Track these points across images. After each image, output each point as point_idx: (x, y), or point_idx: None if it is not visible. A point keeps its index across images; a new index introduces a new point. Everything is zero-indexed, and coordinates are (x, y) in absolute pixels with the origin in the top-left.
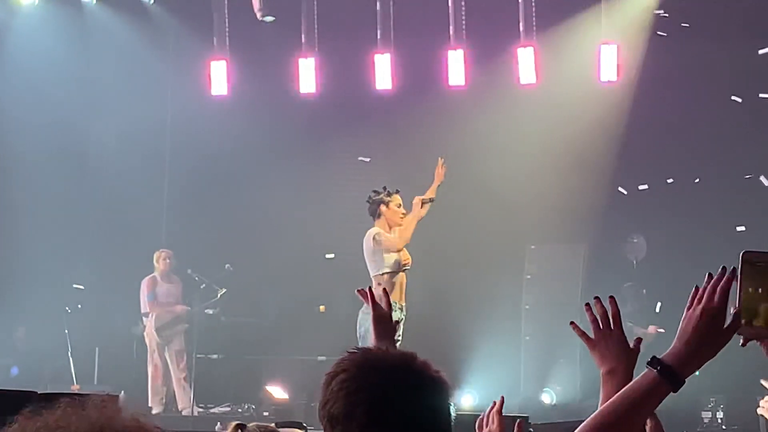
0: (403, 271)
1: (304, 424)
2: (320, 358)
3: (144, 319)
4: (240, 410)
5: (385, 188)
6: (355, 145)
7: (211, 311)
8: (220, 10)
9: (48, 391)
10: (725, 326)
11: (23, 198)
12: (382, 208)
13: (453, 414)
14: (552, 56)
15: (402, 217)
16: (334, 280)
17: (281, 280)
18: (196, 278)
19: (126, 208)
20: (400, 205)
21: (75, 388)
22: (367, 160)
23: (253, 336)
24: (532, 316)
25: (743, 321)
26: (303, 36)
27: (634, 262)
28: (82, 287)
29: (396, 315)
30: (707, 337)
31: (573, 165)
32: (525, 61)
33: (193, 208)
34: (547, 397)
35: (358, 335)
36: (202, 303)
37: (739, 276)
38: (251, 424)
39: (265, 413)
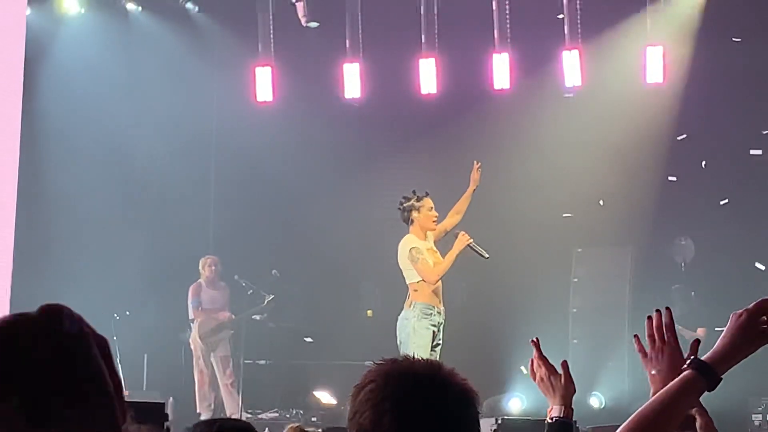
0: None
1: None
2: (367, 363)
3: (191, 325)
4: (288, 416)
5: (414, 192)
6: (400, 150)
7: (258, 317)
8: (264, 17)
9: None
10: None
11: (71, 207)
12: (414, 214)
13: (492, 424)
14: (597, 59)
15: (435, 222)
16: (381, 284)
17: (329, 285)
18: (243, 284)
19: (173, 215)
20: (431, 208)
21: (125, 394)
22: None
23: (301, 341)
24: (579, 319)
25: None
26: (347, 41)
27: (682, 264)
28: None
29: (435, 319)
30: (745, 337)
31: (619, 167)
32: (570, 64)
33: (239, 215)
34: (596, 401)
35: (398, 342)
36: (249, 309)
37: None
38: (309, 429)
39: (313, 419)
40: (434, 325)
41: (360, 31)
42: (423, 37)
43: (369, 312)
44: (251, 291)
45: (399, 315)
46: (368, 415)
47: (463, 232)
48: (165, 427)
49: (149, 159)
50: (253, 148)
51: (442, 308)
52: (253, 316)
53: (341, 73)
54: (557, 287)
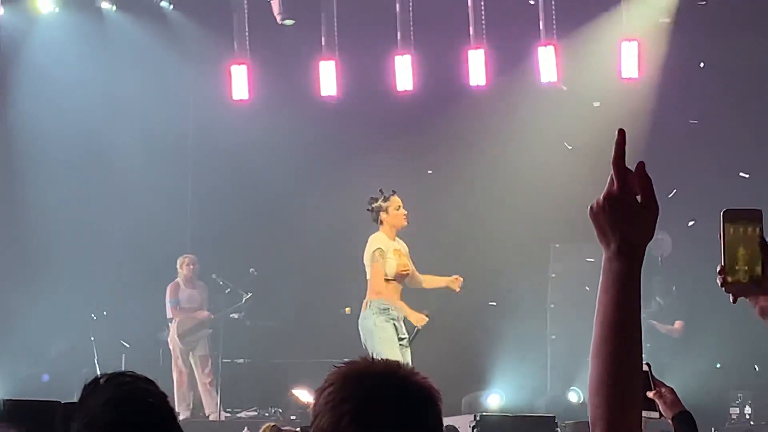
0: (400, 280)
1: None
2: (346, 360)
3: (169, 325)
4: (267, 414)
5: (381, 192)
6: (377, 148)
7: (236, 316)
8: (239, 14)
9: (73, 401)
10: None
11: (46, 206)
12: (383, 215)
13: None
14: (573, 54)
15: (405, 218)
16: (359, 282)
17: (306, 283)
18: (221, 283)
19: (150, 214)
20: (399, 206)
21: None
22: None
23: (279, 340)
24: (557, 315)
25: (729, 279)
26: (323, 38)
27: (660, 259)
28: (95, 317)
29: (393, 314)
30: (621, 221)
31: (595, 162)
32: (546, 59)
33: (216, 213)
34: (575, 396)
35: (363, 342)
36: (227, 307)
37: (721, 234)
38: (285, 428)
39: (292, 417)
40: (393, 319)
41: (336, 29)
42: (399, 34)
43: (347, 309)
44: (229, 289)
45: (358, 317)
46: (328, 417)
47: (426, 318)
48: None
49: (126, 158)
50: (229, 147)
51: (395, 303)
52: (230, 315)
53: (317, 71)
54: (535, 283)
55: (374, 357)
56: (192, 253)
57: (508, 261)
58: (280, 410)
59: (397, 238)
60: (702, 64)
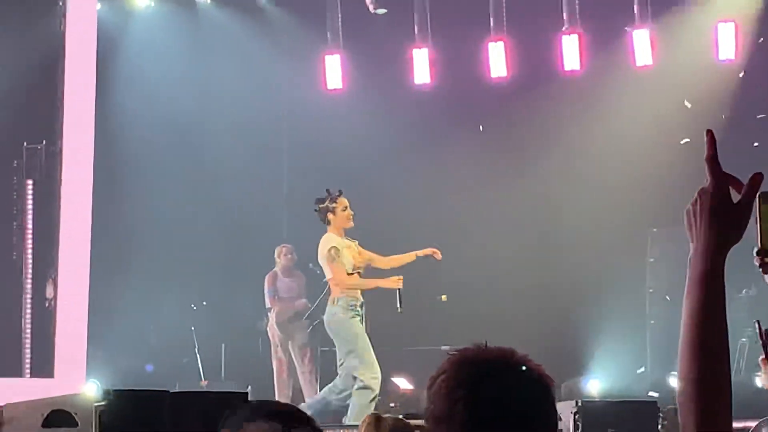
0: (357, 273)
1: None
2: (444, 347)
3: (267, 314)
4: None
5: (328, 192)
6: (471, 135)
7: None
8: (333, 5)
9: (179, 390)
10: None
11: (145, 199)
12: (330, 216)
13: (572, 406)
14: (668, 37)
15: (349, 219)
16: (456, 269)
17: (402, 270)
18: (318, 272)
19: (246, 205)
20: (346, 207)
21: (203, 384)
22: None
23: (377, 327)
24: (656, 299)
25: (766, 259)
26: (416, 27)
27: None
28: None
29: (359, 310)
30: (716, 218)
31: (693, 145)
32: (641, 43)
33: (312, 202)
34: (675, 380)
35: (332, 337)
36: (324, 297)
37: (758, 216)
38: (386, 416)
39: (392, 404)
40: (358, 315)
41: (428, 16)
42: (492, 20)
43: (443, 297)
44: (326, 279)
45: (324, 313)
46: (442, 403)
47: (401, 278)
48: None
49: (222, 149)
50: (323, 136)
51: (361, 298)
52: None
53: (410, 59)
54: (633, 268)
55: (486, 344)
56: (289, 243)
57: (606, 246)
58: (380, 398)
59: (345, 237)
60: None
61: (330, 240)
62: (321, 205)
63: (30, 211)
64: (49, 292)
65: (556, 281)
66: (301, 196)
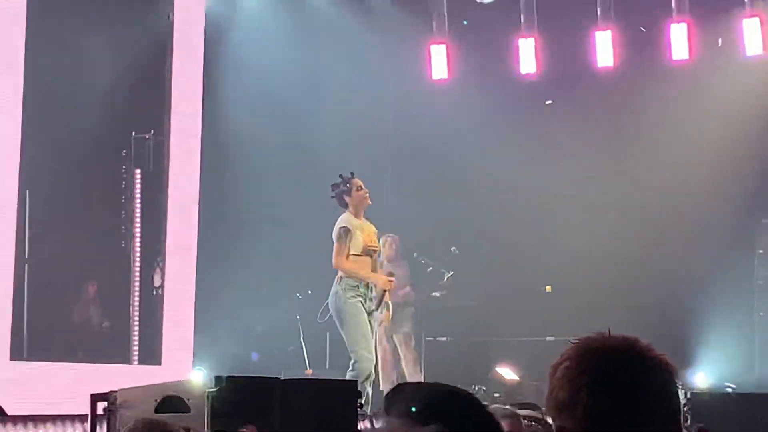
0: (368, 254)
1: (538, 405)
2: (549, 338)
3: None
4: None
5: (341, 176)
6: (577, 125)
7: (438, 294)
8: None
9: (285, 377)
10: None
11: (251, 187)
12: (347, 198)
13: (681, 397)
14: None
15: (366, 198)
16: (560, 260)
17: (507, 261)
18: (423, 261)
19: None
20: (360, 187)
21: (308, 372)
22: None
23: (481, 318)
24: (765, 291)
25: None
26: (522, 16)
27: None
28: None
29: (362, 290)
30: None
31: None
32: (751, 31)
33: (417, 192)
34: None
35: (334, 317)
36: (428, 286)
37: None
38: (492, 406)
39: (496, 394)
40: (360, 296)
41: (535, 5)
42: (598, 9)
43: (547, 287)
44: (431, 268)
45: (331, 291)
46: (565, 390)
47: (392, 280)
48: (359, 404)
49: (327, 139)
50: (428, 126)
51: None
52: (432, 294)
53: (516, 49)
54: (741, 259)
55: (610, 332)
56: (393, 233)
57: (713, 237)
58: (484, 388)
59: (363, 219)
60: None
61: (343, 220)
62: (336, 190)
63: (138, 200)
64: (156, 281)
65: (661, 272)
66: (406, 186)
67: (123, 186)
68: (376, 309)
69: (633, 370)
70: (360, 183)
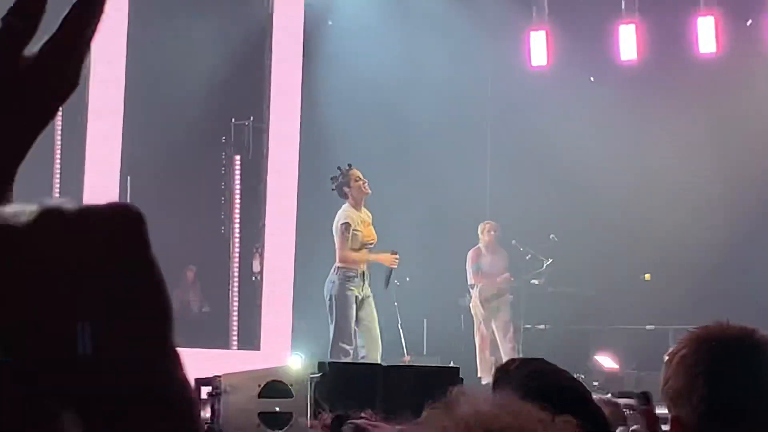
0: (367, 248)
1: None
2: (649, 327)
3: (470, 290)
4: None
5: (339, 168)
6: (678, 112)
7: (536, 282)
8: None
9: (386, 363)
10: None
11: None
12: (346, 189)
13: None
14: None
15: (364, 188)
16: (659, 247)
17: (606, 249)
18: (521, 249)
19: (450, 181)
20: (359, 178)
21: (406, 359)
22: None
23: (580, 306)
24: None
25: None
26: (623, 1)
27: None
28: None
29: (357, 282)
30: None
31: None
32: None
33: (517, 179)
34: None
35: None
36: (527, 274)
37: None
38: (604, 396)
39: (595, 383)
40: (354, 287)
41: None
42: None
43: (647, 276)
44: (529, 256)
45: (328, 278)
46: (681, 378)
47: (396, 257)
48: None
49: (426, 126)
50: (527, 113)
51: (362, 268)
52: (531, 281)
53: (617, 35)
54: None
55: (728, 322)
56: (492, 220)
57: None
58: (583, 376)
59: (363, 209)
60: None
61: (344, 215)
62: (336, 183)
63: (237, 187)
64: (255, 266)
65: (763, 261)
66: (505, 173)
67: (223, 172)
68: (386, 286)
69: (749, 360)
70: (359, 174)
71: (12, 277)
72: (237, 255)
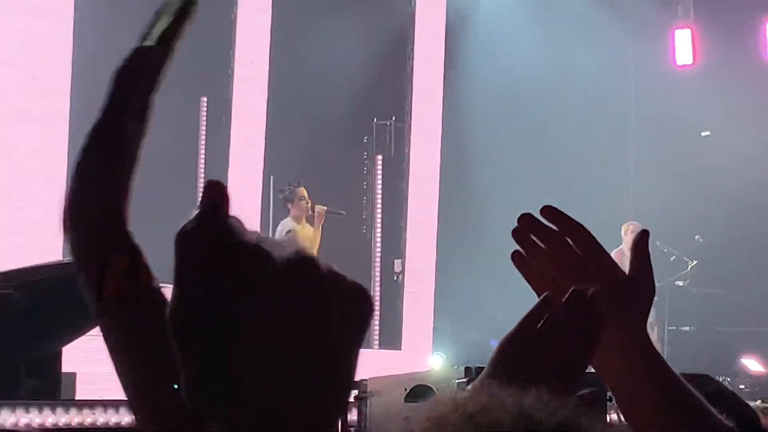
0: None
1: None
2: None
3: None
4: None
5: (289, 184)
6: None
7: (681, 283)
8: None
9: None
10: None
11: (491, 173)
12: (289, 205)
13: None
14: None
15: (307, 206)
16: None
17: (753, 249)
18: (665, 250)
19: (592, 181)
20: (302, 197)
21: None
22: None
23: (725, 307)
24: None
25: None
26: None
27: None
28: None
29: None
30: None
31: None
32: None
33: (660, 178)
34: None
35: None
36: (671, 275)
37: None
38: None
39: (741, 386)
40: None
41: None
42: None
43: None
44: (674, 257)
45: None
46: None
47: (318, 207)
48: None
49: (566, 122)
50: (672, 112)
51: None
52: (676, 282)
53: (765, 33)
54: None
55: None
56: (635, 220)
57: None
58: (728, 379)
59: (304, 223)
60: None
61: (287, 224)
62: (282, 196)
63: (379, 187)
64: (397, 266)
65: None
66: (648, 172)
67: (364, 172)
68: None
69: None
70: (305, 194)
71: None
72: (378, 255)
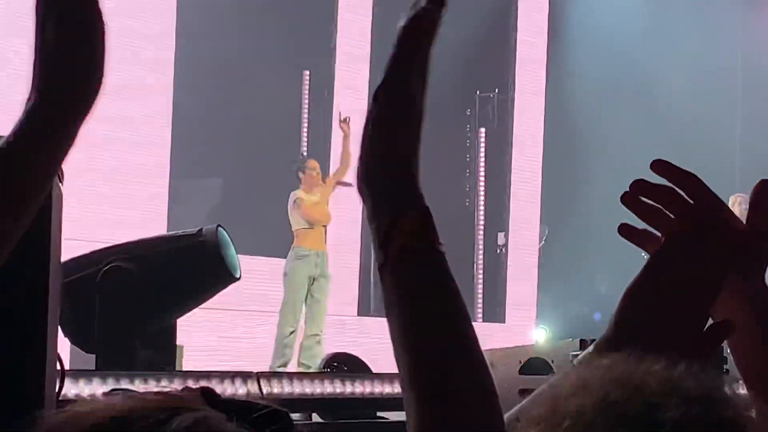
0: (321, 226)
1: None
2: None
3: None
4: None
5: (302, 155)
6: None
7: None
8: None
9: None
10: None
11: (595, 146)
12: (300, 174)
13: None
14: None
15: (316, 177)
16: None
17: None
18: None
19: (699, 154)
20: (313, 168)
21: None
22: None
23: None
24: None
25: None
26: None
27: None
28: None
29: (311, 260)
30: None
31: None
32: None
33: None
34: None
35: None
36: None
37: None
38: None
39: None
40: (307, 263)
41: None
42: None
43: None
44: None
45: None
46: None
47: (328, 177)
48: None
49: (673, 97)
50: None
51: (321, 251)
52: None
53: None
54: None
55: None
56: (742, 192)
57: None
58: None
59: (314, 191)
60: None
61: (295, 194)
62: (294, 167)
63: (482, 160)
64: (500, 239)
65: None
66: (756, 145)
67: (467, 145)
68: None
69: None
70: (315, 165)
71: None
72: (482, 228)
